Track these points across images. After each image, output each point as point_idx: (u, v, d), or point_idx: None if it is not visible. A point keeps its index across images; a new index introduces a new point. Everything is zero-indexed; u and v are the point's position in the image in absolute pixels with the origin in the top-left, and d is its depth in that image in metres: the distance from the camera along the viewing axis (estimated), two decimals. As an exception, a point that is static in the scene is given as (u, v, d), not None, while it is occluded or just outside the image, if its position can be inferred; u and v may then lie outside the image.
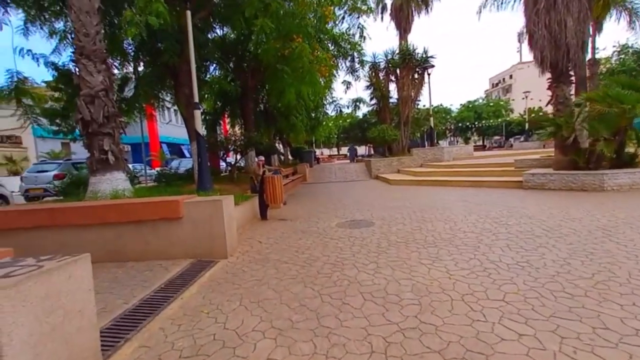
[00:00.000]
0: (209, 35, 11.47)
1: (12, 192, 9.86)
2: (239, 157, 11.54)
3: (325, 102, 17.92)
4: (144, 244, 3.96)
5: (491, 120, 43.10)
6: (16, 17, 9.04)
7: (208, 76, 13.09)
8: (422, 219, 5.41)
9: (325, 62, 8.11)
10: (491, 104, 46.71)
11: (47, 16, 9.36)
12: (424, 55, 15.60)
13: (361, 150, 31.97)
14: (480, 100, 48.99)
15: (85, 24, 5.11)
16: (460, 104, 47.69)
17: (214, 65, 13.02)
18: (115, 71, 9.91)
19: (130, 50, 9.59)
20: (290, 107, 11.78)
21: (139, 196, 5.40)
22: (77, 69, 5.34)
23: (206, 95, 13.73)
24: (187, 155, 30.96)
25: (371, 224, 5.30)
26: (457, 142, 47.97)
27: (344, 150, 38.16)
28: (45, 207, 4.04)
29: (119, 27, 6.67)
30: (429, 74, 15.46)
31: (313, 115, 18.49)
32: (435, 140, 17.74)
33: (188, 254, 3.95)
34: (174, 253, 3.94)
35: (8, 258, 1.88)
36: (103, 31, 5.60)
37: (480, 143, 43.62)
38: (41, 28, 9.61)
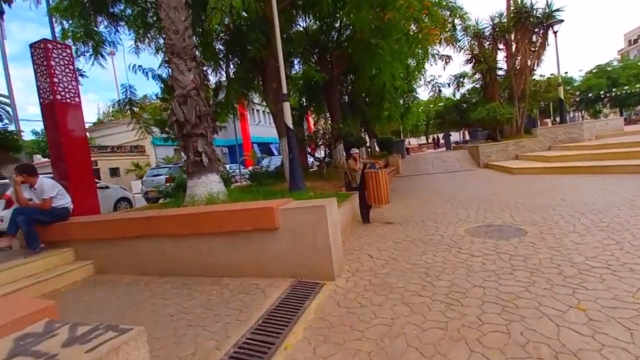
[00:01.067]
0: (292, 30, 11.08)
1: (134, 194, 11.16)
2: (326, 151, 10.88)
3: (416, 85, 16.05)
4: (238, 258, 3.38)
5: (633, 86, 33.77)
6: (127, 36, 9.99)
7: (292, 72, 12.81)
8: (605, 225, 3.68)
9: (436, 21, 6.57)
10: (631, 66, 36.64)
11: (152, 34, 10.13)
12: (547, 10, 12.38)
13: (454, 136, 28.50)
14: (615, 63, 38.93)
15: (174, 21, 4.88)
16: (582, 72, 38.71)
17: (298, 60, 12.67)
18: (211, 79, 10.29)
19: (221, 53, 9.75)
20: (381, 93, 10.53)
21: (233, 199, 5.01)
22: (170, 70, 5.20)
23: (291, 92, 13.52)
24: (276, 153, 32.38)
25: (521, 232, 3.82)
26: (582, 117, 39.19)
27: (434, 137, 34.78)
28: (145, 215, 3.81)
29: (205, 19, 6.46)
30: (555, 33, 12.18)
31: (402, 101, 16.81)
32: (564, 117, 14.10)
33: (287, 272, 3.22)
34: (271, 270, 3.26)
35: (44, 322, 1.26)
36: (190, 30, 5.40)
37: (616, 115, 34.62)
38: (149, 45, 10.50)
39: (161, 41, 10.32)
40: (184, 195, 5.23)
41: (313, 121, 19.02)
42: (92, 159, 21.59)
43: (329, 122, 13.31)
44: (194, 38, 5.17)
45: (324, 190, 7.32)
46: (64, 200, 4.28)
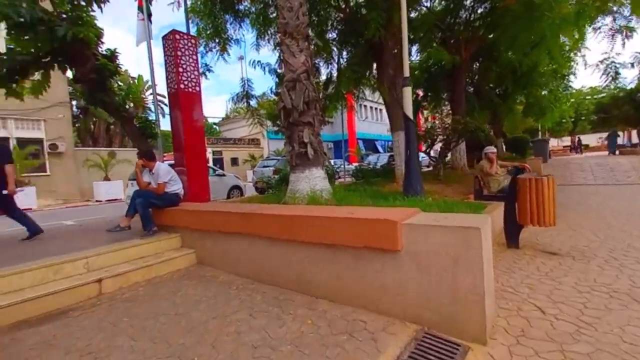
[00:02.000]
0: (415, 11, 9.80)
1: (245, 184, 11.83)
2: (443, 150, 9.25)
3: (570, 69, 12.47)
4: (341, 280, 2.59)
5: None
6: (250, 32, 10.49)
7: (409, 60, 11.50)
8: None
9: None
10: None
11: (272, 31, 10.38)
12: None
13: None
14: None
15: (288, -3, 4.41)
16: None
17: (416, 47, 11.29)
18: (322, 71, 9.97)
19: (333, 43, 9.27)
20: (526, 78, 8.30)
21: (337, 199, 4.28)
22: (281, 53, 4.79)
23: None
24: (381, 150, 31.12)
25: None
26: None
27: (575, 140, 27.57)
28: (240, 210, 3.39)
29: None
30: None
31: (547, 91, 13.38)
32: None
33: (407, 313, 2.25)
34: (385, 305, 2.35)
35: None
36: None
37: None
38: (268, 42, 10.85)
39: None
40: (286, 189, 4.80)
41: (424, 118, 17.15)
42: (217, 149, 24.87)
43: (442, 115, 11.51)
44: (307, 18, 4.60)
45: (444, 197, 5.98)
46: (176, 186, 4.30)
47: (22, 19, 4.91)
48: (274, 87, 10.54)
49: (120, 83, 6.56)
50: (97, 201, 15.47)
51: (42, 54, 5.78)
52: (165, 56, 5.31)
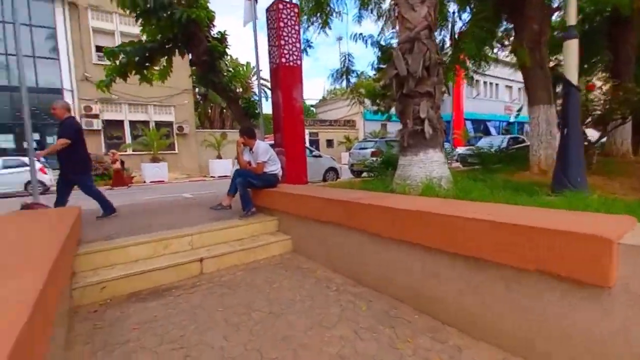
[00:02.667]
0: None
1: (340, 166, 11.45)
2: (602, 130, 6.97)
3: None
4: (484, 308, 1.80)
5: None
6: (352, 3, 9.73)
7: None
8: None
9: None
10: None
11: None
12: None
13: None
14: None
15: None
16: None
17: None
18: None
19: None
20: None
21: (461, 191, 3.36)
22: (395, 9, 3.96)
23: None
24: (494, 132, 26.99)
25: None
26: None
27: None
28: (339, 197, 2.85)
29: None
30: None
31: None
32: None
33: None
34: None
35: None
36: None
37: None
38: (371, 12, 9.93)
39: (384, 6, 9.50)
40: (392, 174, 4.08)
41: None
42: (314, 130, 25.35)
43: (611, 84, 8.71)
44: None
45: (611, 193, 4.34)
46: (275, 166, 4.05)
47: (148, 5, 5.30)
48: (375, 63, 9.67)
49: (227, 64, 6.68)
50: (211, 177, 17.50)
51: (165, 40, 6.27)
52: (268, 30, 5.08)
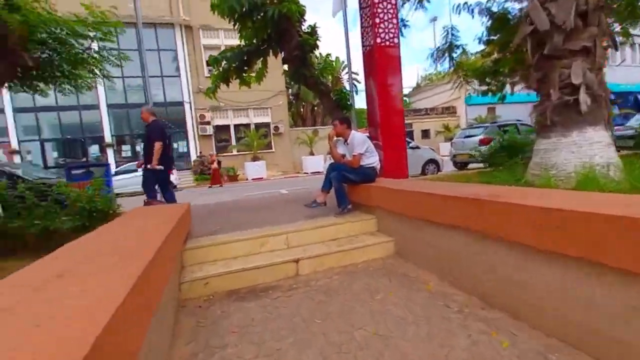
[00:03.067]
0: None
1: (443, 157, 10.27)
2: None
3: None
4: None
5: None
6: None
7: None
8: None
9: None
10: None
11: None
12: None
13: None
14: None
15: None
16: None
17: None
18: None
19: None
20: None
21: (636, 181, 2.33)
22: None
23: None
24: (648, 108, 20.84)
25: None
26: None
27: None
28: (462, 193, 2.22)
29: None
30: None
31: None
32: None
33: None
34: None
35: None
36: None
37: None
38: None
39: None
40: (524, 163, 3.19)
41: None
42: (408, 121, 23.84)
43: None
44: None
45: None
46: (373, 159, 3.61)
47: (244, 9, 5.48)
48: (484, 35, 8.26)
49: (318, 57, 6.52)
50: (304, 173, 18.13)
51: (260, 42, 6.47)
52: (360, 10, 4.65)
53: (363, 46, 4.69)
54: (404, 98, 33.95)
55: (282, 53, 6.55)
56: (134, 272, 1.22)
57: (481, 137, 9.04)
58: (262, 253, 3.08)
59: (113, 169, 15.30)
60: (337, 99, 6.38)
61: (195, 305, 2.52)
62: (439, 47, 7.73)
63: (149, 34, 16.83)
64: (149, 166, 4.76)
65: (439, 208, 2.44)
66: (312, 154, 17.78)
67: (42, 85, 6.05)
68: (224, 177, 16.61)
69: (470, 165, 10.08)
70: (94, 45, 6.37)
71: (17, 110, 15.49)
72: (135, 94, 17.19)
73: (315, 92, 6.18)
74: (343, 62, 23.52)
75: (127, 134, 17.09)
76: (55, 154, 16.19)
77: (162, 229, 2.22)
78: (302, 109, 24.01)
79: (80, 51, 6.12)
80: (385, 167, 3.87)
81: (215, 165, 14.87)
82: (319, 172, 17.32)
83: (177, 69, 17.62)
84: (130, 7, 16.15)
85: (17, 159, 15.29)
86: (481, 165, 8.90)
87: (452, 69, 7.85)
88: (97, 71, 6.51)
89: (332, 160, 3.76)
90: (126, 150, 16.91)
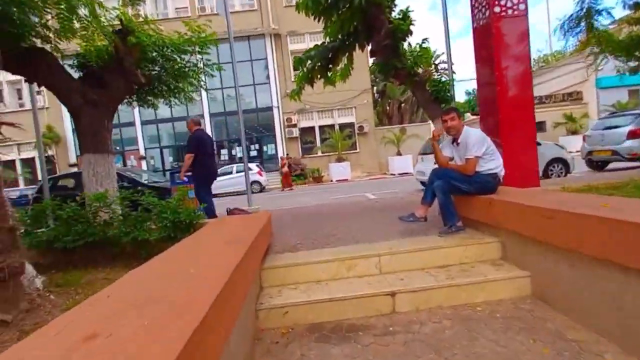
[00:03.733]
0: None
1: (571, 153, 8.17)
2: None
3: None
4: None
5: None
6: None
7: None
8: None
9: None
10: None
11: None
12: None
13: None
14: None
15: None
16: None
17: None
18: None
19: None
20: None
21: None
22: None
23: None
24: None
25: None
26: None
27: None
28: None
29: None
30: None
31: None
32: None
33: None
34: None
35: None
36: None
37: None
38: None
39: None
40: None
41: None
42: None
43: None
44: None
45: None
46: (494, 163, 2.74)
47: (328, 1, 5.10)
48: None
49: (410, 44, 5.70)
50: (391, 174, 17.13)
51: (345, 37, 6.02)
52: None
53: (475, 21, 3.76)
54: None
55: (370, 45, 5.97)
56: (206, 299, 1.12)
57: (631, 127, 6.81)
58: (350, 279, 2.56)
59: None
60: (434, 91, 5.50)
61: (272, 341, 2.14)
62: (571, 16, 6.03)
63: (243, 46, 18.23)
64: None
65: (629, 243, 1.53)
66: (399, 154, 16.67)
67: (152, 99, 6.77)
68: (309, 179, 16.85)
69: (611, 165, 7.80)
70: (192, 59, 6.85)
71: (143, 123, 18.50)
72: (232, 102, 18.80)
73: (409, 84, 5.42)
74: (434, 52, 21.58)
75: (225, 139, 18.78)
76: (170, 159, 18.81)
77: (239, 247, 1.90)
78: (387, 107, 22.91)
79: (183, 65, 6.65)
80: (509, 173, 2.93)
81: (285, 168, 14.96)
82: (406, 173, 16.13)
83: (267, 76, 18.61)
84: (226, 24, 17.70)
85: (143, 164, 18.26)
86: (631, 164, 6.79)
87: (588, 40, 6.05)
88: (195, 82, 7.01)
89: (437, 164, 3.00)
90: (224, 154, 18.59)
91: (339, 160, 16.57)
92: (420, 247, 2.65)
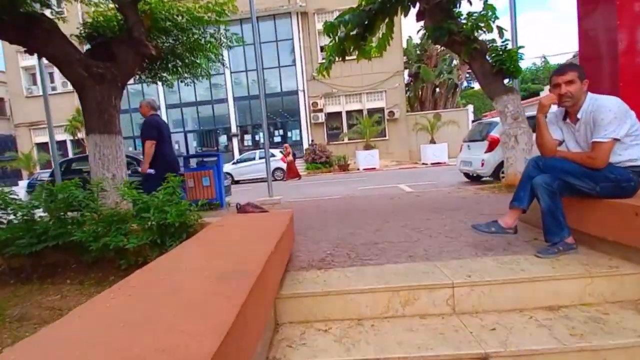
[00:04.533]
0: None
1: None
2: None
3: None
4: None
5: None
6: None
7: None
8: None
9: None
10: None
11: None
12: None
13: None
14: None
15: None
16: None
17: None
18: None
19: None
20: None
21: None
22: None
23: None
24: None
25: None
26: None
27: None
28: None
29: None
30: None
31: None
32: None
33: None
34: None
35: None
36: None
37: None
38: None
39: None
40: None
41: None
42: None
43: None
44: None
45: None
46: (638, 151, 1.75)
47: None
48: None
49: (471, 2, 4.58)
50: (423, 164, 15.90)
51: (386, -1, 5.02)
52: None
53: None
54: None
55: (417, 5, 4.92)
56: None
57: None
58: (407, 319, 1.73)
59: (236, 156, 16.54)
60: (497, 62, 4.41)
61: None
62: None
63: (268, 26, 17.34)
64: (139, 169, 3.97)
65: None
66: (433, 142, 15.36)
67: (166, 75, 6.11)
68: (335, 167, 15.98)
69: None
70: (209, 30, 6.10)
71: (168, 107, 18.25)
72: (257, 86, 18.13)
73: (465, 53, 4.36)
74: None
75: (249, 124, 18.19)
76: (194, 144, 18.54)
77: (239, 286, 1.12)
78: (420, 91, 21.33)
79: (199, 37, 5.92)
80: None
81: (290, 157, 13.88)
82: (439, 163, 14.86)
83: (293, 58, 17.68)
84: (255, 1, 16.79)
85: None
86: None
87: None
88: (212, 56, 6.27)
89: (540, 151, 2.02)
90: (248, 139, 18.05)
91: (367, 147, 15.53)
92: (515, 278, 1.76)
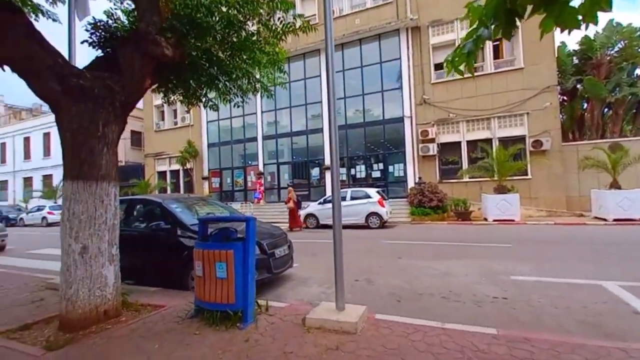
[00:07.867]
0: None
1: None
2: None
3: None
4: None
5: None
6: None
7: None
8: None
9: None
10: None
11: None
12: None
13: None
14: None
15: None
16: None
17: None
18: None
19: None
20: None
21: None
22: None
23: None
24: None
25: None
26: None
27: None
28: None
29: None
30: None
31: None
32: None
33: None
34: None
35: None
36: None
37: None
38: None
39: None
40: None
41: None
42: None
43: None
44: None
45: None
46: None
47: None
48: None
49: None
50: (595, 217, 10.51)
51: None
52: None
53: None
54: None
55: None
56: None
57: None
58: None
59: (329, 191, 14.35)
60: None
61: None
62: None
63: (371, 48, 15.28)
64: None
65: None
66: (616, 185, 10.03)
67: (202, 91, 4.16)
68: (450, 213, 12.08)
69: None
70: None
71: (264, 138, 17.75)
72: (354, 114, 16.03)
73: None
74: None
75: (345, 156, 15.99)
76: (286, 176, 17.36)
77: None
78: (582, 113, 15.51)
79: (248, 36, 3.87)
80: None
81: (291, 204, 11.24)
82: (632, 220, 9.39)
83: (399, 79, 14.98)
84: (357, 22, 14.67)
85: (262, 180, 17.38)
86: None
87: None
88: (273, 60, 4.11)
89: None
90: (342, 173, 15.81)
91: (500, 189, 11.20)
92: None
